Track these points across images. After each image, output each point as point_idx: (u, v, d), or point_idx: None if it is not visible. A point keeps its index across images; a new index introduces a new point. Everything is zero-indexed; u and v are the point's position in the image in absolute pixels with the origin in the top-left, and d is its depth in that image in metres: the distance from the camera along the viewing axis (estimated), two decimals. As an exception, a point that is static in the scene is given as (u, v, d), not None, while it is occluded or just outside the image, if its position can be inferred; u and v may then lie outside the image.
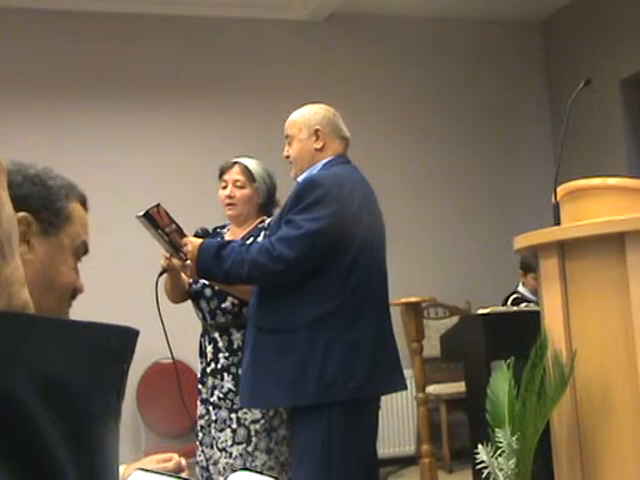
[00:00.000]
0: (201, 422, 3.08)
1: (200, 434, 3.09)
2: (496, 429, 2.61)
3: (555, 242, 2.62)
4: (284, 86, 5.83)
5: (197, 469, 3.10)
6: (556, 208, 2.72)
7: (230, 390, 3.00)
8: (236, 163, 3.15)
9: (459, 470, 5.35)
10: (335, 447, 2.60)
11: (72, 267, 1.37)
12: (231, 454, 2.96)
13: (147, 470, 1.58)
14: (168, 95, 5.86)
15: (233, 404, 2.97)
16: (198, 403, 3.12)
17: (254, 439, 2.94)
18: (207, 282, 3.01)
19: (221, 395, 3.01)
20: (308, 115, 2.86)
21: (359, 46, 6.19)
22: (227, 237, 3.14)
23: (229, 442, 2.97)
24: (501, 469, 2.58)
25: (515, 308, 4.85)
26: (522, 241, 2.79)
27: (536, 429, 2.59)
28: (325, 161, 2.81)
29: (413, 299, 4.50)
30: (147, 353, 4.70)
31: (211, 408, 3.04)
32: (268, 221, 3.10)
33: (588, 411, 2.56)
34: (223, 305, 3.04)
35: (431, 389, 5.38)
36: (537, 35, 6.79)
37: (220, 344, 3.04)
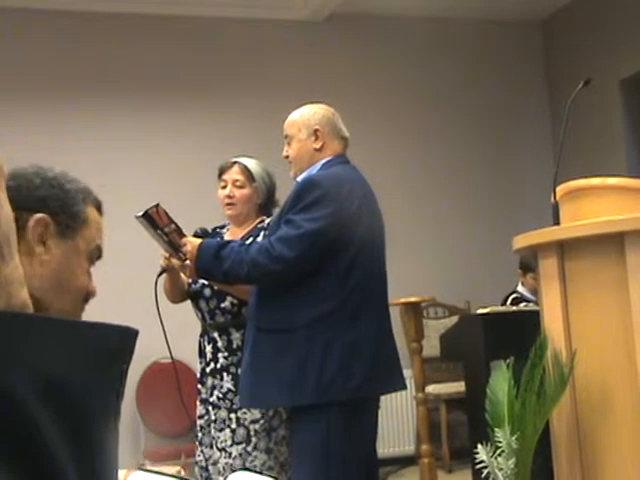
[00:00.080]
0: (200, 422, 3.08)
1: (199, 434, 3.09)
2: (496, 429, 2.61)
3: (554, 242, 2.62)
4: (284, 86, 5.83)
5: (196, 469, 3.10)
6: (555, 208, 2.72)
7: (229, 390, 3.00)
8: (235, 163, 3.15)
9: (458, 470, 5.35)
10: (334, 447, 2.60)
11: (86, 270, 1.38)
12: (230, 454, 2.96)
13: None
14: (168, 95, 5.86)
15: (232, 404, 2.97)
16: (197, 403, 3.12)
17: (253, 439, 2.94)
18: (206, 282, 3.01)
19: (220, 395, 3.01)
20: (307, 115, 2.86)
21: (359, 46, 6.19)
22: (226, 237, 3.14)
23: (228, 442, 2.97)
24: (500, 469, 2.58)
25: (515, 308, 4.85)
26: (521, 241, 2.79)
27: (535, 429, 2.59)
28: (324, 161, 2.81)
29: (413, 299, 4.50)
30: (146, 353, 4.70)
31: (210, 408, 3.04)
32: (267, 221, 3.09)
33: (588, 411, 2.56)
34: (222, 305, 3.04)
35: (430, 389, 5.38)
36: (537, 35, 6.79)
37: (219, 344, 3.04)
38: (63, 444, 0.65)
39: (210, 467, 3.03)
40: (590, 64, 5.96)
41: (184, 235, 2.79)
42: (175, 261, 2.80)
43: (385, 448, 5.66)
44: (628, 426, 2.48)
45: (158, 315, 2.66)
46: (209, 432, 3.04)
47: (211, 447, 3.03)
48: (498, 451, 2.59)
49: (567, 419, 2.61)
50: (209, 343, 3.07)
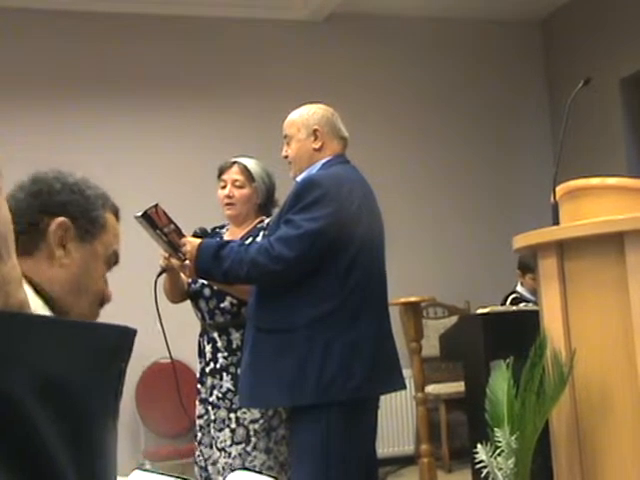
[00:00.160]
0: (200, 422, 3.08)
1: (199, 434, 3.09)
2: (495, 429, 2.61)
3: (554, 242, 2.62)
4: (284, 86, 5.83)
5: (196, 469, 3.10)
6: (555, 208, 2.72)
7: (229, 390, 3.00)
8: (235, 163, 3.15)
9: (458, 470, 5.35)
10: (334, 447, 2.59)
11: (102, 275, 1.40)
12: (230, 454, 2.96)
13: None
14: (168, 95, 5.86)
15: (232, 404, 2.97)
16: (197, 403, 3.12)
17: (253, 439, 2.94)
18: (206, 282, 3.01)
19: (220, 395, 3.01)
20: (306, 115, 2.86)
21: (359, 46, 6.19)
22: (226, 237, 3.14)
23: (228, 442, 2.97)
24: (500, 468, 2.58)
25: (514, 308, 4.85)
26: (521, 241, 2.79)
27: (535, 428, 2.59)
28: (324, 161, 2.81)
29: (412, 299, 4.50)
30: (146, 353, 4.69)
31: (210, 408, 3.04)
32: (267, 221, 3.09)
33: (587, 410, 2.56)
34: (222, 305, 3.04)
35: (430, 389, 5.38)
36: (537, 35, 6.79)
37: (219, 344, 3.04)
38: (62, 444, 0.65)
39: (209, 467, 3.03)
40: (590, 63, 5.96)
41: (183, 235, 2.79)
42: (175, 261, 2.79)
43: (385, 448, 5.65)
44: (628, 426, 2.48)
45: (158, 315, 2.66)
46: (209, 432, 3.04)
47: (211, 447, 3.03)
48: (498, 451, 2.59)
49: (567, 419, 2.61)
50: (209, 343, 3.07)
